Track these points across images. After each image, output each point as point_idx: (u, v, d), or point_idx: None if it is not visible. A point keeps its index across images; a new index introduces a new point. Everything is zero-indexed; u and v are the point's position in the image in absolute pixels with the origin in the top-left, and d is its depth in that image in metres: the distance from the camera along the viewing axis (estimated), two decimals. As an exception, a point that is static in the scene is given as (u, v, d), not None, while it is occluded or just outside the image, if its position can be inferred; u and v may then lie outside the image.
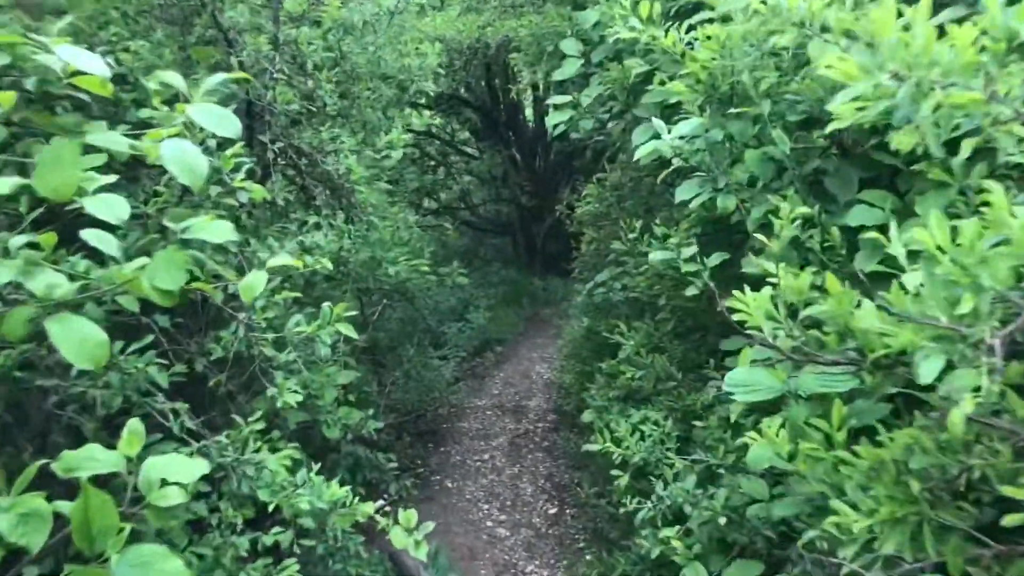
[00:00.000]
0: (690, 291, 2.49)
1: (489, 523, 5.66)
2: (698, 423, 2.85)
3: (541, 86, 13.16)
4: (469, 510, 5.81)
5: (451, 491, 6.12)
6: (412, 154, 12.55)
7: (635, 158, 3.43)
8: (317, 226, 3.69)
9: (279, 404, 2.61)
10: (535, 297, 12.67)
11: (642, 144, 3.36)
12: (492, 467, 6.41)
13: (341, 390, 4.18)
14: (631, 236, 3.43)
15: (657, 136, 2.48)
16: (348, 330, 2.44)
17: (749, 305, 1.78)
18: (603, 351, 5.39)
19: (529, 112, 14.03)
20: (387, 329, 6.95)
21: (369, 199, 3.46)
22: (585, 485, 5.74)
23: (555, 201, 14.11)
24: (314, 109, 3.58)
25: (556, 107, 3.64)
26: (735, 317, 2.59)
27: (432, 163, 13.53)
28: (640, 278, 3.34)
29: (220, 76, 1.95)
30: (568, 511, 5.70)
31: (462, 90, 12.09)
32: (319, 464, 2.72)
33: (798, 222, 1.94)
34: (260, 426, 2.51)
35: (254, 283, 1.95)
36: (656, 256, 2.61)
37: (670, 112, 3.63)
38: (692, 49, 2.38)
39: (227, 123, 1.82)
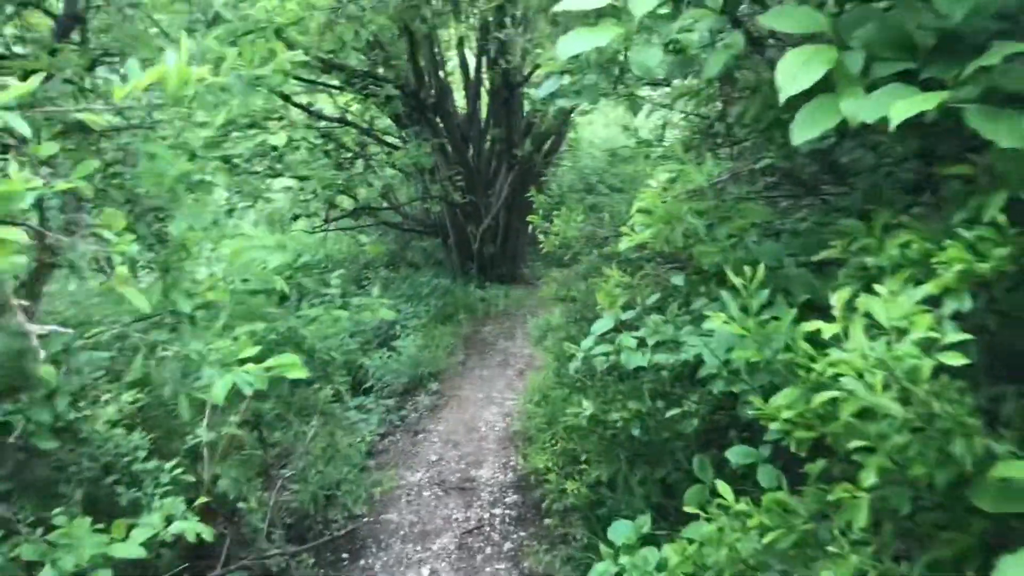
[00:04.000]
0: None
1: None
2: None
3: (468, 51, 11.12)
4: None
5: (375, 641, 4.11)
6: (324, 144, 10.39)
7: (797, 138, 1.49)
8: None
9: None
10: (473, 310, 10.70)
11: (795, 87, 1.43)
12: (435, 593, 4.42)
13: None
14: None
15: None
16: None
17: None
18: (613, 447, 3.48)
19: (459, 96, 11.98)
20: (275, 393, 4.84)
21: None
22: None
23: (492, 196, 12.17)
24: None
25: (597, 18, 1.62)
26: None
27: (349, 155, 11.32)
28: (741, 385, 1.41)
29: None
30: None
31: (380, 69, 9.93)
32: None
33: None
34: None
35: None
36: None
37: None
38: None
39: None
